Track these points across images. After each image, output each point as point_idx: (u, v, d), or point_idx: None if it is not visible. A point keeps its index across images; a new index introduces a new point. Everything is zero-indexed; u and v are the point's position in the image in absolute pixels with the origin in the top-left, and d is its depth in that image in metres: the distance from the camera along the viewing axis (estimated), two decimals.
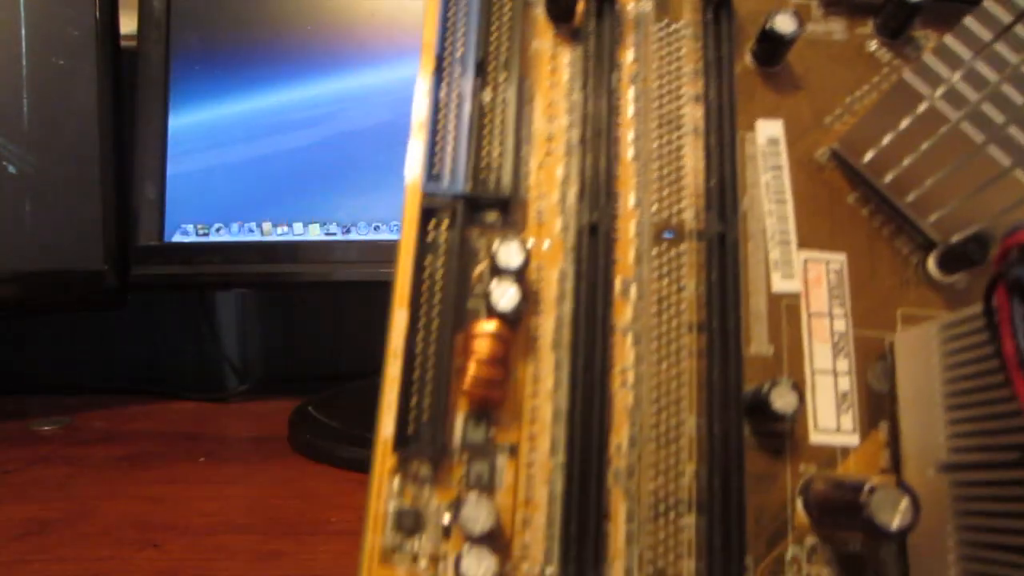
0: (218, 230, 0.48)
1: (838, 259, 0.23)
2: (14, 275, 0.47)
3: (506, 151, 0.23)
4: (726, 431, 0.21)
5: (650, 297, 0.23)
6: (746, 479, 0.20)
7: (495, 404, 0.21)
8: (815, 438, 0.22)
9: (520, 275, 0.21)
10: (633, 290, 0.23)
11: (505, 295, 0.21)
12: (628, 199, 0.24)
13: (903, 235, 0.23)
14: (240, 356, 0.71)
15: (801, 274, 0.23)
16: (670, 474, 0.21)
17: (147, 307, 0.68)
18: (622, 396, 0.22)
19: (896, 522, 0.17)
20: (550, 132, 0.24)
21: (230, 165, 0.48)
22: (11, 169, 0.46)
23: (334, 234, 0.47)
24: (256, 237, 0.48)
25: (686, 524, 0.21)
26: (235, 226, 0.48)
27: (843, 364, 0.22)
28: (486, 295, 0.21)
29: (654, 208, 0.23)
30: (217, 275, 0.49)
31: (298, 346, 0.72)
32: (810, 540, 0.21)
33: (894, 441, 0.22)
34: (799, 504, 0.21)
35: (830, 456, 0.22)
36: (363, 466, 0.21)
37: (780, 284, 0.23)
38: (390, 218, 0.47)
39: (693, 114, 0.24)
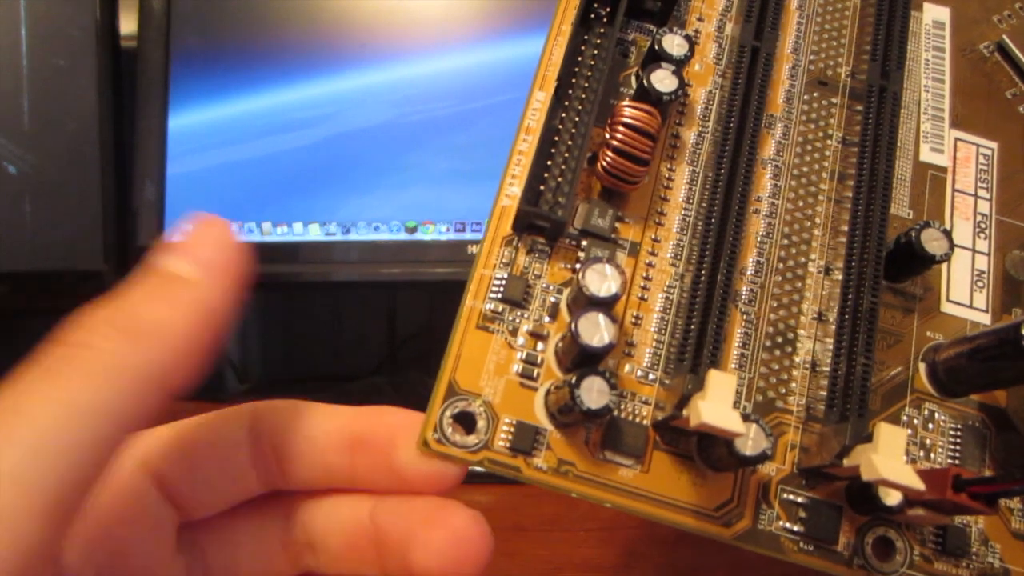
0: None
1: (989, 145, 0.22)
2: (14, 275, 0.46)
3: None
4: (863, 272, 0.19)
5: (795, 137, 0.21)
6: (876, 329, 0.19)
7: (630, 181, 0.19)
8: (947, 308, 0.20)
9: (679, 67, 0.20)
10: (779, 127, 0.21)
11: (665, 79, 0.19)
12: (786, 43, 0.22)
13: None
14: (240, 356, 0.68)
15: (950, 151, 0.22)
16: (792, 309, 0.20)
17: None
18: (754, 223, 0.20)
19: None
20: None
21: (230, 165, 0.47)
22: (11, 169, 0.45)
23: (334, 234, 0.46)
24: (256, 237, 0.46)
25: (800, 361, 0.19)
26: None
27: (982, 244, 0.21)
28: (641, 82, 0.19)
29: (811, 57, 0.22)
30: None
31: (298, 346, 0.69)
32: (929, 407, 0.19)
33: None
34: (922, 368, 0.20)
35: (959, 328, 0.20)
36: None
37: (928, 155, 0.22)
38: (390, 218, 0.46)
39: None
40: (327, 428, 0.18)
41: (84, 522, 0.15)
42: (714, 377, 0.16)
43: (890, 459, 0.15)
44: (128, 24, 0.48)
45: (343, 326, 0.68)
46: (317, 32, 0.46)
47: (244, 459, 0.18)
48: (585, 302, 0.17)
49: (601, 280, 0.17)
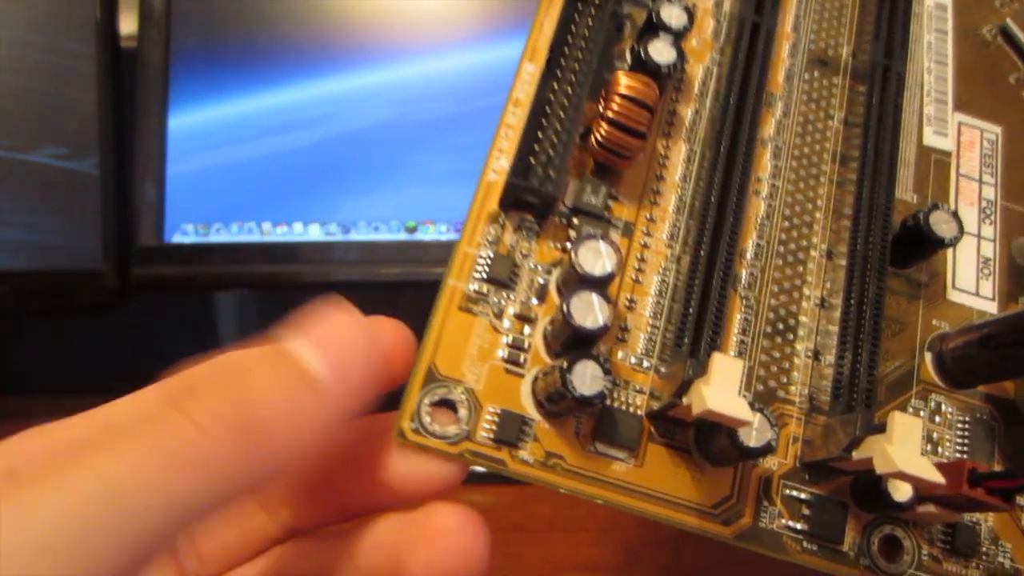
0: (218, 230, 0.46)
1: (993, 130, 0.21)
2: (14, 275, 0.45)
3: None
4: (868, 256, 0.18)
5: (795, 117, 0.20)
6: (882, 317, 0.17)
7: (625, 156, 0.17)
8: (952, 296, 0.19)
9: (677, 39, 0.18)
10: (779, 106, 0.20)
11: (663, 50, 0.18)
12: (787, 21, 0.21)
13: None
14: None
15: (954, 135, 0.20)
16: (793, 294, 0.18)
17: (147, 307, 0.62)
18: (754, 204, 0.19)
19: None
20: None
21: (230, 165, 0.46)
22: (10, 169, 0.44)
23: (334, 234, 0.45)
24: (256, 237, 0.46)
25: (802, 349, 0.18)
26: (235, 226, 0.46)
27: (988, 231, 0.19)
28: (638, 52, 0.18)
29: (812, 36, 0.21)
30: (217, 275, 0.46)
31: None
32: (936, 398, 0.18)
33: None
34: (928, 358, 0.18)
35: (965, 316, 0.19)
36: None
37: (932, 139, 0.20)
38: (390, 218, 0.45)
39: None
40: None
41: None
42: (719, 361, 0.14)
43: (906, 450, 0.14)
44: (128, 24, 0.48)
45: None
46: (317, 32, 0.46)
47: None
48: (577, 281, 0.16)
49: (595, 258, 0.16)
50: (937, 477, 0.13)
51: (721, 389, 0.14)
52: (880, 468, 0.14)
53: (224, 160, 0.46)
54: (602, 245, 0.16)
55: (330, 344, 0.13)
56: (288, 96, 0.45)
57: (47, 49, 0.45)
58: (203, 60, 0.46)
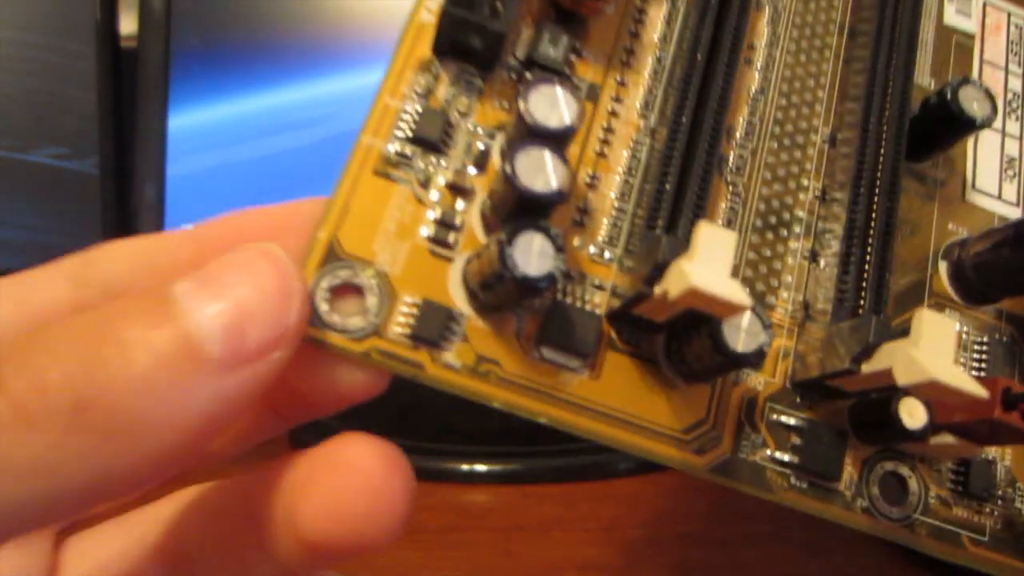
0: None
1: (1022, 14, 0.18)
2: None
3: None
4: (881, 138, 0.14)
5: None
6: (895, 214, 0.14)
7: (590, 10, 0.14)
8: (972, 197, 0.16)
9: None
10: None
11: None
12: None
13: None
14: None
15: (979, 16, 0.17)
16: (789, 184, 0.15)
17: None
18: (746, 75, 0.15)
19: None
20: None
21: (230, 165, 0.46)
22: (10, 169, 0.45)
23: None
24: None
25: (797, 248, 0.15)
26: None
27: (1013, 127, 0.17)
28: None
29: None
30: None
31: None
32: (950, 314, 0.15)
33: None
34: (942, 267, 0.15)
35: (985, 222, 0.16)
36: None
37: (953, 18, 0.17)
38: None
39: None
40: None
41: None
42: (706, 232, 0.11)
43: (938, 356, 0.11)
44: (128, 24, 0.47)
45: None
46: (317, 32, 0.45)
47: None
48: (526, 136, 0.12)
49: (551, 106, 0.12)
50: (978, 389, 0.10)
51: (708, 265, 0.11)
52: (904, 379, 0.11)
53: (224, 160, 0.46)
54: (559, 91, 0.12)
55: (234, 295, 0.10)
56: (288, 96, 0.45)
57: (47, 49, 0.45)
58: (203, 60, 0.46)
